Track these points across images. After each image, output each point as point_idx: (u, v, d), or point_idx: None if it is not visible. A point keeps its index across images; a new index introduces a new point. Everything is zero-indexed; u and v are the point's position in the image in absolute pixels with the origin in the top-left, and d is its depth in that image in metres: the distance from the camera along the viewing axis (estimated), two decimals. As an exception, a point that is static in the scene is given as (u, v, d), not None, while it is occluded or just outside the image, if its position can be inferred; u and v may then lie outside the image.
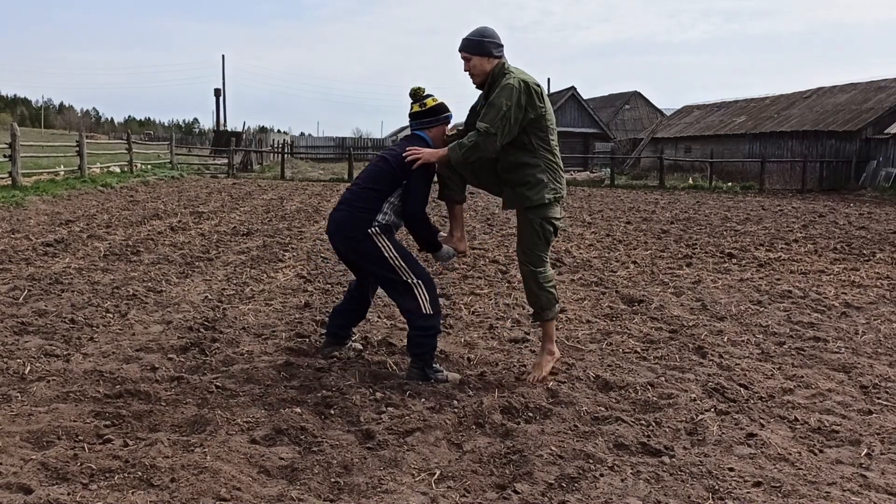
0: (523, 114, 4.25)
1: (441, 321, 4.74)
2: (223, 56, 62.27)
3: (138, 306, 6.18)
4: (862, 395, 4.46)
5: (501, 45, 4.40)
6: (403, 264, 4.41)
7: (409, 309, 4.43)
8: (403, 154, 4.41)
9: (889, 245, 11.63)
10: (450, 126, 4.73)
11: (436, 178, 4.66)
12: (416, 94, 4.63)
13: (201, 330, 5.45)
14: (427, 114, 4.63)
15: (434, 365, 4.49)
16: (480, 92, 4.54)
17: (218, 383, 4.25)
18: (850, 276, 8.59)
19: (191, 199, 16.78)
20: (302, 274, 7.88)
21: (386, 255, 4.39)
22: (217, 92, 53.45)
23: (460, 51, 4.40)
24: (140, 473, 3.07)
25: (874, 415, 4.10)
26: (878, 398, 4.39)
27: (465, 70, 4.43)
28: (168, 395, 4.08)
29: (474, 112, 4.60)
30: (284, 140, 50.20)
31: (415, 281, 4.40)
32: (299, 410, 3.81)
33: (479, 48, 4.33)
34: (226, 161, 31.40)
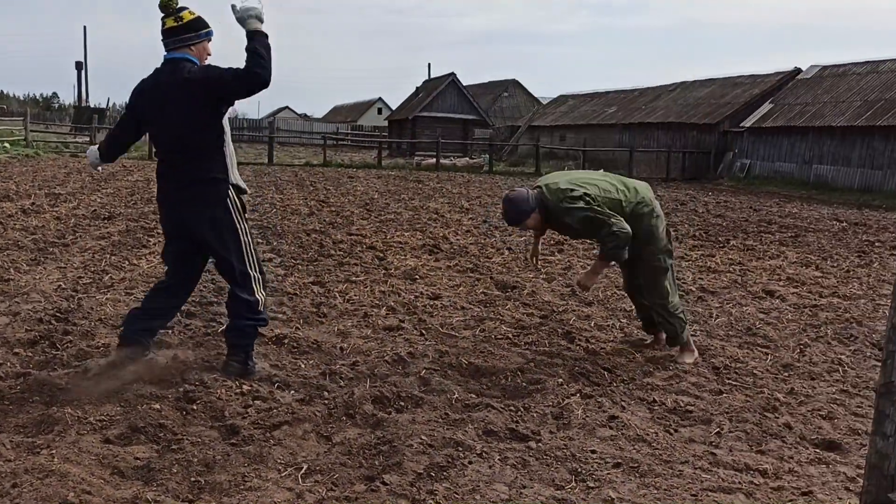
0: (611, 197, 4.67)
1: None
2: (84, 27, 58.79)
3: (-17, 297, 5.73)
4: (714, 375, 4.72)
5: (529, 195, 4.67)
6: (252, 251, 4.20)
7: (248, 300, 4.18)
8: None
9: (742, 232, 12.39)
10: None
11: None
12: (167, 6, 4.00)
13: (52, 322, 5.10)
14: (186, 29, 4.01)
15: (255, 359, 4.35)
16: None
17: (69, 379, 4.00)
18: (706, 262, 9.09)
19: (47, 179, 15.74)
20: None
21: (237, 227, 4.12)
22: (78, 65, 50.44)
23: (513, 226, 5.01)
24: (-22, 480, 2.84)
25: (724, 395, 4.35)
26: (729, 379, 4.66)
27: (529, 229, 4.93)
28: (12, 393, 3.80)
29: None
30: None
31: (256, 274, 4.20)
32: (158, 406, 3.64)
33: (525, 214, 4.68)
34: (87, 139, 29.72)
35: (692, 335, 5.26)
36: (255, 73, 3.83)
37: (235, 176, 4.18)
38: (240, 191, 4.21)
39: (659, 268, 4.87)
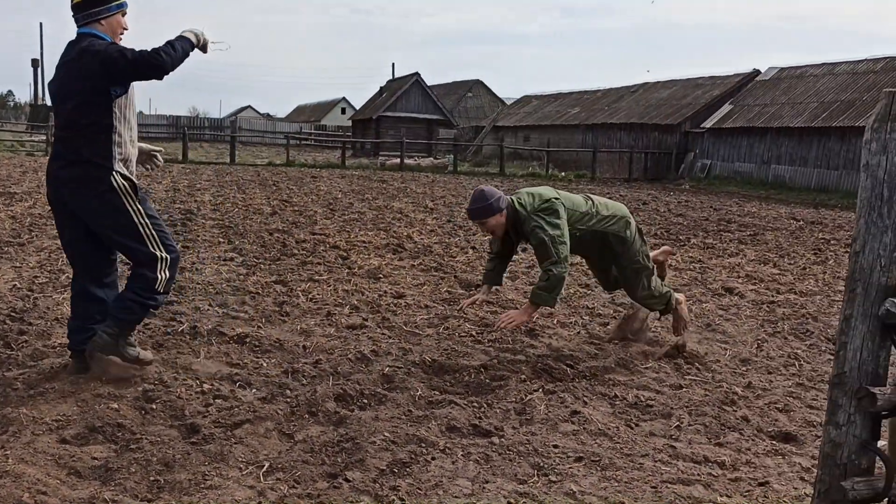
0: (569, 223, 4.67)
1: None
2: (41, 24, 57.41)
3: (-65, 297, 5.59)
4: (674, 370, 4.79)
5: (500, 196, 4.63)
6: (152, 232, 3.97)
7: (146, 276, 3.97)
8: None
9: (702, 231, 12.57)
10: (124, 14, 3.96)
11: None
12: None
13: (7, 322, 5.00)
14: (93, 2, 3.83)
15: (130, 338, 4.07)
16: None
17: (24, 379, 3.92)
18: (667, 261, 9.20)
19: (1, 178, 15.41)
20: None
21: (130, 211, 3.90)
22: (35, 63, 49.43)
23: (473, 220, 4.77)
24: (-71, 482, 2.78)
25: (684, 389, 4.42)
26: (688, 374, 4.73)
27: (486, 233, 4.73)
28: (-34, 394, 3.71)
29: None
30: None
31: (162, 254, 3.99)
32: (116, 406, 3.59)
33: (490, 210, 4.59)
34: (44, 138, 29.09)
35: (653, 331, 5.35)
36: (157, 56, 3.71)
37: (124, 166, 3.92)
38: (126, 178, 3.95)
39: (640, 267, 4.95)
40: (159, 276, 3.99)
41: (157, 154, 4.40)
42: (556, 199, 4.69)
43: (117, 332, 3.96)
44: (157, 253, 3.98)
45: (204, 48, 4.04)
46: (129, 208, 3.91)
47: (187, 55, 3.90)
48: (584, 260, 5.44)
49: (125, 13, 3.96)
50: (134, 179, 3.98)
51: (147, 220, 3.96)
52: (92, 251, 4.08)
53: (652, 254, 5.29)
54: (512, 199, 4.72)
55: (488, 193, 4.67)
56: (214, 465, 3.13)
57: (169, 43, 3.81)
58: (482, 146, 40.91)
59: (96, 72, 3.73)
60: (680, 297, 5.19)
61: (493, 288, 5.12)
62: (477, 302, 5.01)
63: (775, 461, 3.49)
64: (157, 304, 4.13)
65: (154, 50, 3.74)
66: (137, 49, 3.76)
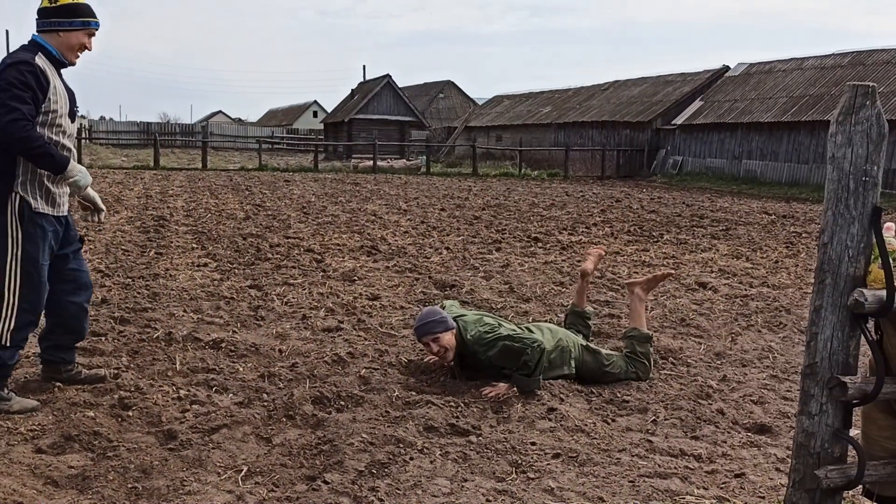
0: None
1: (12, 356, 3.71)
2: (7, 31, 56.72)
3: None
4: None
5: (446, 315, 4.34)
6: (20, 259, 3.56)
7: None
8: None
9: (675, 227, 12.70)
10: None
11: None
12: None
13: (-21, 332, 4.92)
14: (57, 13, 3.64)
15: (2, 392, 3.63)
16: None
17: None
18: (641, 257, 9.29)
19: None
20: (99, 268, 7.35)
21: (9, 237, 3.53)
22: None
23: (422, 337, 4.29)
24: None
25: (659, 384, 4.46)
26: (664, 368, 4.78)
27: (436, 352, 4.30)
28: (-64, 406, 3.65)
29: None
30: (81, 125, 46.64)
31: (9, 298, 3.56)
32: (92, 414, 3.55)
33: (441, 326, 4.25)
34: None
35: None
36: (14, 123, 3.39)
37: (31, 189, 3.59)
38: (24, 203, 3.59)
39: (614, 377, 4.46)
40: (2, 325, 3.56)
41: (101, 214, 4.03)
42: (491, 322, 4.39)
43: None
44: (7, 295, 3.56)
45: (70, 189, 3.70)
46: (9, 234, 3.54)
47: (43, 159, 3.52)
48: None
49: (92, 33, 3.75)
50: (40, 208, 3.62)
51: (20, 257, 3.55)
52: None
53: (584, 265, 5.13)
54: (455, 321, 4.37)
55: (438, 310, 4.39)
56: (193, 471, 3.11)
57: (48, 146, 3.51)
58: (455, 147, 40.97)
59: None
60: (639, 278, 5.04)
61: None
62: (434, 360, 4.60)
63: (751, 453, 3.54)
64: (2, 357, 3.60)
65: (20, 118, 3.41)
66: (22, 102, 3.44)
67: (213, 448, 3.33)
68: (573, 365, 4.41)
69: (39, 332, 4.13)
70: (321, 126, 56.24)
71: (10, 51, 3.67)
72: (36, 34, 3.69)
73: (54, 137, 3.65)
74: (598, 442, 3.58)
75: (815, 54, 28.76)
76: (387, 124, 44.06)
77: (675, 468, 3.31)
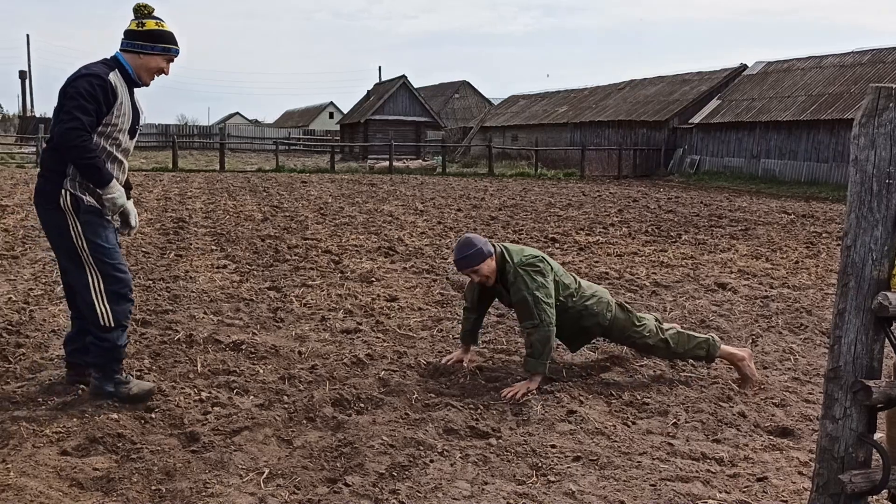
0: (552, 284, 4.33)
1: (123, 337, 3.91)
2: (28, 35, 57.18)
3: (-72, 311, 5.57)
4: (670, 368, 4.80)
5: (487, 241, 4.39)
6: (87, 248, 3.74)
7: (91, 315, 3.80)
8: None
9: (693, 227, 12.63)
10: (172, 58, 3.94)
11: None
12: (138, 10, 3.88)
13: (3, 335, 4.98)
14: (141, 36, 3.85)
15: (117, 377, 3.85)
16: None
17: (22, 392, 3.91)
18: (659, 257, 9.25)
19: (-8, 191, 15.34)
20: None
21: (72, 232, 3.73)
22: (22, 74, 49.26)
23: (461, 269, 4.42)
24: (-71, 498, 2.77)
25: (680, 386, 4.44)
26: (684, 370, 4.75)
27: (480, 281, 4.41)
28: (-37, 408, 3.71)
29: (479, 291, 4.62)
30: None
31: (98, 286, 3.76)
32: (116, 416, 3.58)
33: (482, 255, 4.30)
34: (34, 150, 28.95)
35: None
36: (76, 133, 3.59)
37: (81, 187, 3.74)
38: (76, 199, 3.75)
39: (643, 338, 4.50)
40: (100, 311, 3.77)
41: (132, 231, 4.08)
42: (544, 259, 4.42)
43: (101, 376, 3.84)
44: (92, 282, 3.76)
45: (106, 205, 3.78)
46: (73, 230, 3.73)
47: (89, 171, 3.68)
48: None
49: (171, 59, 3.96)
50: (91, 202, 3.76)
51: (83, 244, 3.73)
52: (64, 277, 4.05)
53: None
54: (498, 246, 4.44)
55: (475, 240, 4.36)
56: (215, 473, 3.13)
57: (98, 159, 3.67)
58: (470, 147, 40.95)
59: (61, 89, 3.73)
60: (743, 352, 4.59)
61: (472, 347, 4.81)
62: (454, 360, 4.66)
63: (773, 456, 3.52)
64: (106, 343, 3.80)
65: (80, 127, 3.60)
66: (85, 113, 3.62)
67: (234, 450, 3.35)
68: (608, 317, 4.48)
69: (65, 335, 4.22)
70: (337, 127, 56.39)
71: (87, 63, 3.85)
72: (119, 52, 3.89)
73: (108, 148, 3.82)
74: (618, 445, 3.57)
75: (833, 52, 28.50)
76: (402, 125, 44.12)
77: (697, 472, 3.29)
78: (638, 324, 4.53)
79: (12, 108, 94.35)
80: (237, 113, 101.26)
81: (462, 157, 40.16)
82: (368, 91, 49.01)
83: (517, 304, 4.31)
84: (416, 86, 46.05)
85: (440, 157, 33.01)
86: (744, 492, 3.13)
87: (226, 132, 48.35)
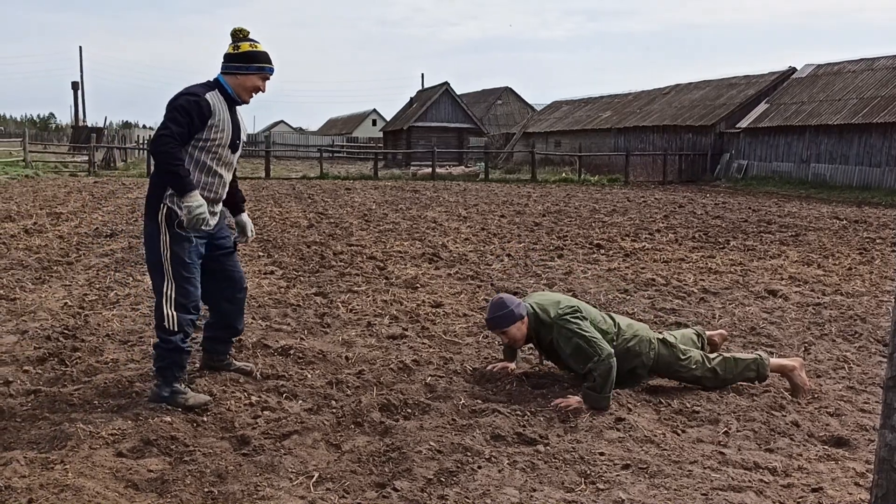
0: (590, 320, 4.31)
1: (184, 343, 4.06)
2: (80, 47, 58.53)
3: (-11, 316, 5.75)
4: (719, 375, 4.73)
5: (520, 303, 4.39)
6: (169, 258, 3.97)
7: (156, 316, 4.04)
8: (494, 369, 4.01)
9: (741, 233, 12.42)
10: (267, 77, 4.19)
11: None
12: (235, 35, 4.16)
13: (60, 339, 5.13)
14: (237, 58, 4.11)
15: (175, 385, 3.96)
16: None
17: (79, 395, 4.02)
18: (707, 264, 9.12)
19: (48, 199, 15.78)
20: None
21: (161, 241, 3.98)
22: (75, 85, 50.52)
23: (491, 330, 4.47)
24: (-7, 497, 2.86)
25: (730, 394, 4.37)
26: (734, 378, 4.67)
27: (508, 343, 4.48)
28: (24, 410, 3.82)
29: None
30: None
31: (169, 291, 3.98)
32: (169, 419, 3.66)
33: (511, 318, 4.32)
34: (86, 158, 29.70)
35: None
36: (168, 146, 3.85)
37: (177, 201, 3.94)
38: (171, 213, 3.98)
39: (690, 371, 4.41)
40: (166, 314, 3.97)
41: (248, 239, 4.64)
42: (579, 308, 4.36)
43: (160, 381, 3.97)
44: (165, 288, 3.98)
45: (183, 210, 3.95)
46: (161, 238, 3.96)
47: (170, 176, 3.90)
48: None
49: (267, 77, 4.19)
50: (181, 215, 3.93)
51: (168, 253, 3.96)
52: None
53: (707, 333, 4.88)
54: (531, 306, 4.40)
55: (508, 301, 4.36)
56: (266, 476, 3.18)
57: (181, 168, 3.89)
58: (513, 153, 40.88)
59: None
60: (794, 362, 4.50)
61: (519, 354, 4.80)
62: (499, 368, 4.63)
63: (828, 466, 3.44)
64: (169, 344, 3.98)
65: (168, 135, 3.87)
66: (177, 125, 3.90)
67: (284, 454, 3.39)
68: (651, 356, 4.38)
69: (204, 323, 4.53)
70: (380, 134, 56.78)
71: (189, 84, 4.15)
72: (220, 73, 4.16)
73: (209, 163, 4.08)
74: (668, 453, 3.53)
75: (886, 54, 27.80)
76: (445, 131, 44.21)
77: (750, 481, 3.23)
78: (683, 357, 4.41)
79: (65, 119, 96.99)
80: (282, 121, 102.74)
81: (505, 163, 40.11)
82: (411, 98, 49.25)
83: (573, 353, 4.19)
84: (458, 92, 46.12)
85: (483, 164, 33.01)
86: (798, 502, 3.07)
87: (271, 140, 49.04)
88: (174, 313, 3.98)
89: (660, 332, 4.67)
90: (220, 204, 4.28)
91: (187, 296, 4.03)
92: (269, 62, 4.18)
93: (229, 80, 4.12)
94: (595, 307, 4.73)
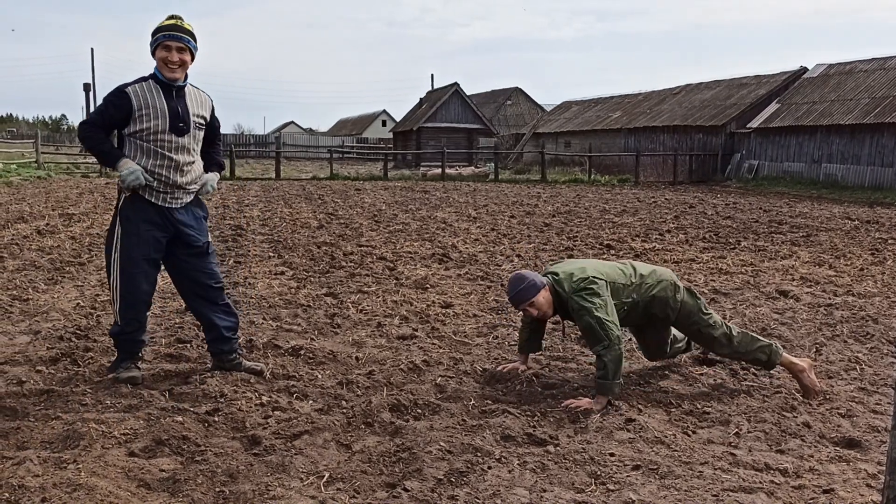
0: (610, 300, 4.23)
1: (127, 334, 4.30)
2: (92, 49, 58.84)
3: (2, 316, 5.80)
4: (730, 376, 4.72)
5: (536, 274, 4.38)
6: (119, 250, 4.18)
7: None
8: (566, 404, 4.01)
9: (752, 234, 12.37)
10: None
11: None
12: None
13: (73, 339, 5.16)
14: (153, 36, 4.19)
15: (122, 364, 4.30)
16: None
17: (92, 395, 4.05)
18: (717, 264, 9.09)
19: (60, 200, 15.87)
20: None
21: (114, 234, 4.23)
22: (86, 87, 50.88)
23: (517, 306, 4.40)
24: (7, 495, 2.88)
25: (741, 396, 4.36)
26: (745, 379, 4.67)
27: (535, 317, 4.40)
28: (37, 409, 3.84)
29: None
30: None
31: (113, 280, 4.22)
32: (181, 419, 3.67)
33: (535, 288, 4.29)
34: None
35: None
36: (82, 128, 4.15)
37: (133, 192, 4.18)
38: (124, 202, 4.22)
39: (706, 326, 4.44)
40: (112, 305, 4.25)
41: (206, 187, 4.76)
42: (596, 277, 4.26)
43: (114, 359, 4.39)
44: (111, 280, 4.23)
45: (126, 184, 4.15)
46: (114, 228, 4.20)
47: (97, 156, 4.27)
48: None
49: (167, 46, 4.06)
50: (122, 187, 4.15)
51: (115, 242, 4.17)
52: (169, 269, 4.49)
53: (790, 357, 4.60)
54: (550, 277, 4.40)
55: (526, 274, 4.37)
56: (276, 476, 3.19)
57: (102, 144, 4.14)
58: (523, 153, 40.84)
59: None
60: (804, 362, 4.47)
61: (530, 355, 4.80)
62: (509, 368, 4.63)
63: (840, 468, 3.43)
64: (115, 332, 4.29)
65: (86, 122, 4.16)
66: (95, 115, 4.16)
67: (295, 454, 3.40)
68: (678, 300, 4.42)
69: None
70: (390, 135, 56.86)
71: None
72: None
73: (159, 150, 4.14)
74: (678, 454, 3.52)
75: (899, 53, 27.63)
76: (455, 132, 44.21)
77: (761, 482, 3.22)
78: (705, 311, 4.49)
79: (77, 120, 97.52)
80: (292, 122, 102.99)
81: (514, 163, 40.08)
82: (421, 99, 49.28)
83: (584, 330, 4.22)
84: (468, 93, 46.11)
85: (492, 164, 32.99)
86: (810, 504, 3.06)
87: (281, 141, 49.11)
88: (117, 306, 4.19)
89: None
90: (188, 193, 4.38)
91: (130, 289, 4.17)
92: (168, 30, 4.07)
93: (156, 62, 4.13)
94: (615, 258, 4.72)
